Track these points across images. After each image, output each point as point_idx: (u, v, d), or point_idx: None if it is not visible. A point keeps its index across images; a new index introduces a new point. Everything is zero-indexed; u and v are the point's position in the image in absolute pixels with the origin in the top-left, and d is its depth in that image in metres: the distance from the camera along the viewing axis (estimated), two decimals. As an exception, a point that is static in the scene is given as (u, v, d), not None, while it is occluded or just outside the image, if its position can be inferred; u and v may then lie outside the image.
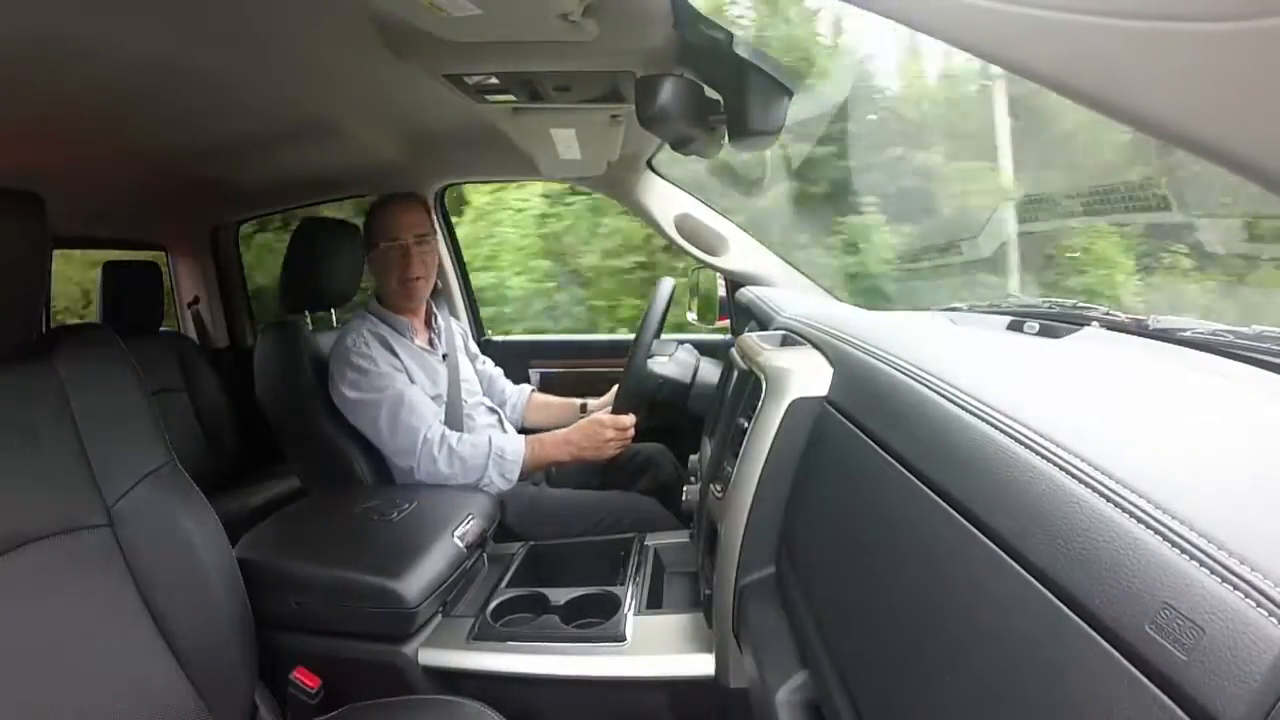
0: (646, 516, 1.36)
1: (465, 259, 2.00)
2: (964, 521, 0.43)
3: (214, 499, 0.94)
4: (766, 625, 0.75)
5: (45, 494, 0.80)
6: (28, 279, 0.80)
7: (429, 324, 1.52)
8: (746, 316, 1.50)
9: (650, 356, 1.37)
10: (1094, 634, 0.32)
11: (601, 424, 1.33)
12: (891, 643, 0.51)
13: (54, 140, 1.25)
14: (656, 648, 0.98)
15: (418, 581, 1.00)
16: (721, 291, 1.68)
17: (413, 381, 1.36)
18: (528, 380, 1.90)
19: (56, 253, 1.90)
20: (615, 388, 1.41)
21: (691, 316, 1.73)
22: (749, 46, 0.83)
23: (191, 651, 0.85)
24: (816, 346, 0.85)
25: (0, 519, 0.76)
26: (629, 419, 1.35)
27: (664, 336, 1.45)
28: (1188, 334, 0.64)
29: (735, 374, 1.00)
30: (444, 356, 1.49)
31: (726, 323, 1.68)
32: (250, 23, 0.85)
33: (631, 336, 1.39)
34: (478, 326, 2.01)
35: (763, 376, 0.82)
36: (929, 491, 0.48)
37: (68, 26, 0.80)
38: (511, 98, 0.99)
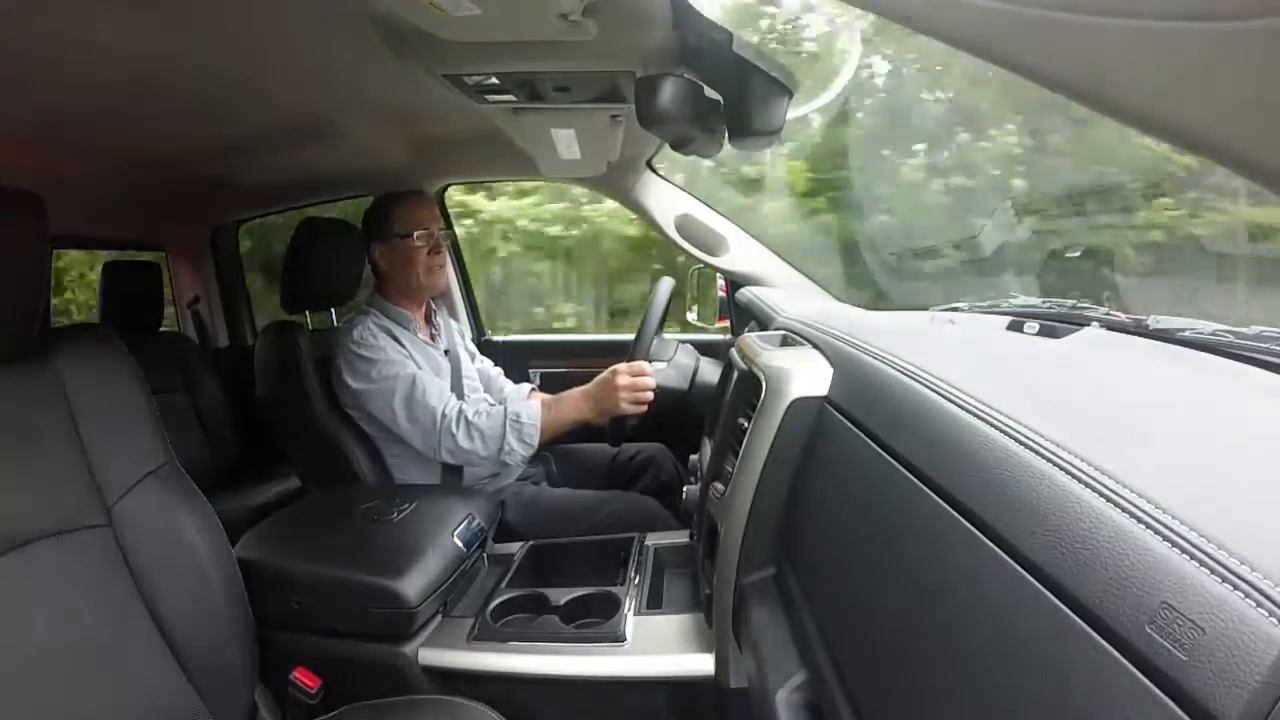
0: (646, 516, 1.36)
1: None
2: (964, 521, 0.43)
3: (214, 499, 0.93)
4: (766, 625, 0.75)
5: (45, 494, 0.80)
6: (28, 279, 0.80)
7: (429, 321, 1.53)
8: (746, 316, 1.50)
9: (650, 359, 1.36)
10: (1094, 634, 0.32)
11: (615, 372, 1.31)
12: (891, 642, 0.51)
13: (54, 140, 1.25)
14: (656, 648, 0.98)
15: (418, 581, 1.00)
16: (721, 291, 1.68)
17: (420, 368, 1.36)
18: (528, 380, 1.90)
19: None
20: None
21: (692, 316, 1.73)
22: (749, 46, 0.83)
23: (191, 651, 0.85)
24: (816, 346, 0.85)
25: (0, 519, 0.76)
26: (643, 364, 1.32)
27: (664, 336, 1.45)
28: (1188, 334, 0.64)
29: (735, 374, 1.00)
30: (445, 352, 1.50)
31: (726, 323, 1.68)
32: (250, 23, 0.85)
33: (631, 337, 1.39)
34: (477, 326, 2.01)
35: (763, 376, 0.82)
36: (929, 491, 0.48)
37: (68, 27, 0.80)
38: (511, 98, 0.99)
